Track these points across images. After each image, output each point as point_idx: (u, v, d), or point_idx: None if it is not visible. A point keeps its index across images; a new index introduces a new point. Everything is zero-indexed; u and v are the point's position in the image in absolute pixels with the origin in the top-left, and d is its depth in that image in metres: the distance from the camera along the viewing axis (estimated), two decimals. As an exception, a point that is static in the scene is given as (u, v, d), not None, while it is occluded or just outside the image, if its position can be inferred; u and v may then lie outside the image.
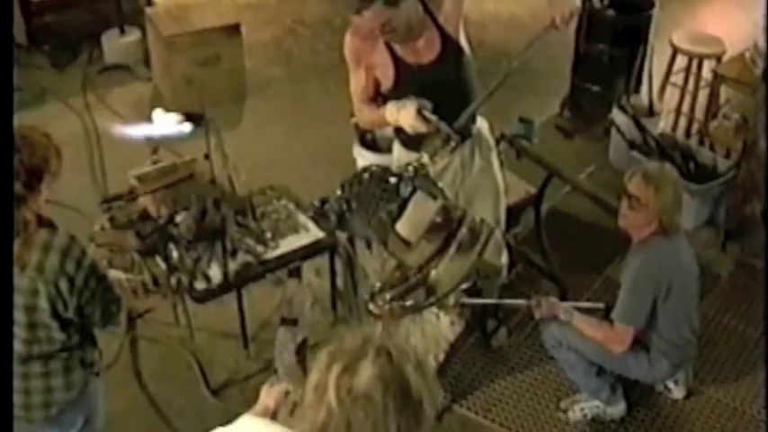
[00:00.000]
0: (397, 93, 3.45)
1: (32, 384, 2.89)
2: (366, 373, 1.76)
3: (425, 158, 3.18)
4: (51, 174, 2.78)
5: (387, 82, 3.51)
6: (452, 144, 3.30)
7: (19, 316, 2.75)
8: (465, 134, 3.54)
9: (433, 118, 3.30)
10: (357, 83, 3.56)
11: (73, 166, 5.43)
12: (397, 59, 3.46)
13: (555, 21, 3.32)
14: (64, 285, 2.73)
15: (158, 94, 6.23)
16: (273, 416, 2.36)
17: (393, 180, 3.00)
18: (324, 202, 3.07)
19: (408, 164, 3.12)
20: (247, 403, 4.00)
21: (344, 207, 2.98)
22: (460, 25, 3.55)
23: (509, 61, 6.60)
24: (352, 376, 1.76)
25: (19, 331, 2.78)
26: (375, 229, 2.97)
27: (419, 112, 3.29)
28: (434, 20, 3.47)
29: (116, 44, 6.45)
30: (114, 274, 3.68)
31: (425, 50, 3.47)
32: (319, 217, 3.08)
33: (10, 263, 2.66)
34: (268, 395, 2.47)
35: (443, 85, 3.49)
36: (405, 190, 2.97)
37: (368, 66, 3.50)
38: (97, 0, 6.64)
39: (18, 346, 2.80)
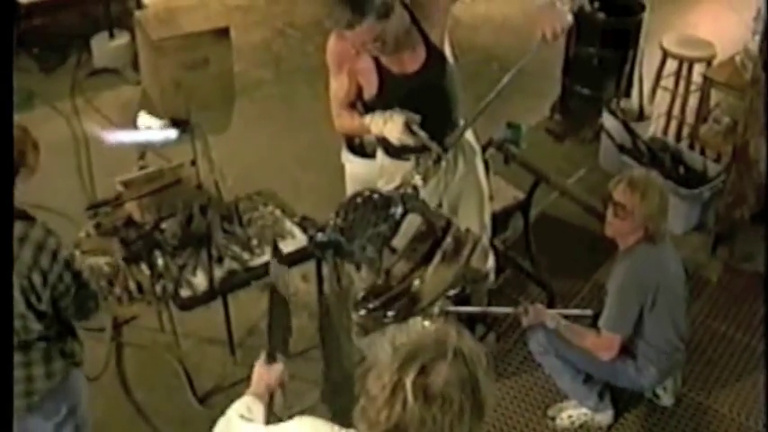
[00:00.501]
0: (381, 101, 3.42)
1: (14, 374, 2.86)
2: (443, 373, 1.82)
3: (416, 179, 3.14)
4: (28, 167, 2.81)
5: (370, 89, 3.47)
6: (443, 164, 3.28)
7: None
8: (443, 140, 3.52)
9: (422, 133, 3.26)
10: (339, 87, 3.51)
11: (60, 171, 5.43)
12: (380, 67, 3.43)
13: (545, 35, 3.28)
14: (37, 279, 2.73)
15: (147, 97, 6.19)
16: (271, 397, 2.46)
17: (386, 205, 2.98)
18: (320, 230, 3.02)
19: (400, 185, 3.09)
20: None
21: (340, 236, 2.95)
22: (446, 35, 3.52)
23: (500, 64, 6.66)
24: (429, 376, 1.81)
25: None
26: (368, 256, 2.94)
27: (407, 125, 3.25)
28: (420, 28, 3.43)
29: (105, 47, 6.42)
30: (94, 261, 3.66)
31: (410, 60, 3.43)
32: (315, 248, 3.04)
33: (10, 262, 2.66)
34: (266, 373, 2.52)
35: (427, 94, 3.46)
36: (396, 212, 2.95)
37: (351, 71, 3.46)
38: (86, 3, 6.59)
39: None
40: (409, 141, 3.27)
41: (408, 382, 1.82)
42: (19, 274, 2.70)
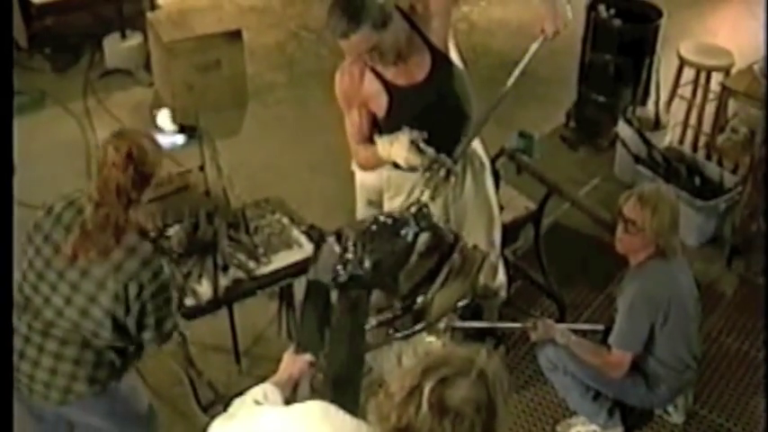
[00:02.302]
0: (394, 117, 3.37)
1: (61, 367, 2.96)
2: (463, 390, 1.83)
3: (425, 196, 3.08)
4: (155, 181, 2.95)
5: (381, 111, 3.42)
6: (453, 180, 3.22)
7: (78, 299, 2.88)
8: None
9: (429, 150, 3.20)
10: (351, 124, 3.48)
11: (70, 172, 5.40)
12: (387, 85, 3.37)
13: (544, 30, 3.25)
14: (133, 290, 2.85)
15: (159, 99, 6.16)
16: (295, 386, 2.49)
17: (399, 228, 2.94)
18: (344, 263, 2.96)
19: (411, 205, 3.03)
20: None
21: (360, 270, 2.88)
22: (450, 38, 3.46)
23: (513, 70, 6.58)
24: (448, 388, 1.83)
25: (70, 313, 2.90)
26: (391, 285, 2.90)
27: (412, 143, 3.18)
28: (421, 34, 3.38)
29: (117, 48, 6.40)
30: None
31: (416, 70, 3.38)
32: (339, 288, 2.98)
33: (10, 261, 2.73)
34: (292, 363, 2.54)
35: (439, 100, 3.41)
36: (409, 234, 2.90)
37: (360, 103, 3.42)
38: (99, 4, 6.58)
39: (63, 325, 2.91)
40: (416, 161, 3.20)
41: (427, 388, 1.83)
42: (116, 281, 2.84)
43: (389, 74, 3.35)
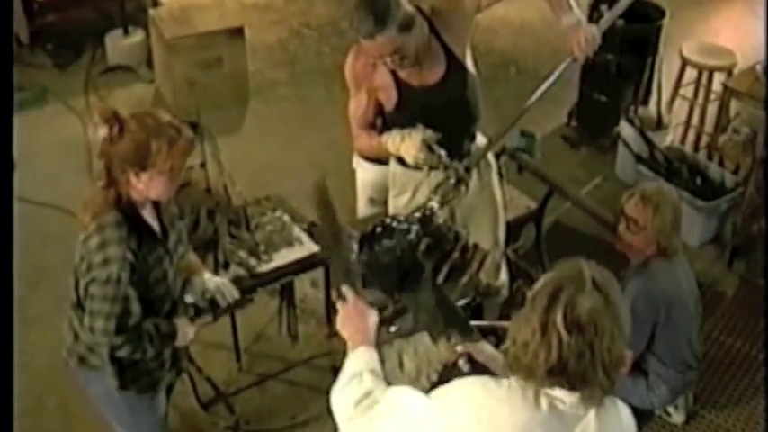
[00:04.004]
0: (400, 115, 3.36)
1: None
2: (588, 303, 1.92)
3: (434, 203, 3.07)
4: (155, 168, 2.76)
5: (389, 104, 3.41)
6: (463, 188, 3.21)
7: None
8: (463, 152, 3.45)
9: (441, 152, 3.19)
10: (357, 106, 3.45)
11: (72, 169, 5.40)
12: (399, 81, 3.36)
13: (575, 53, 3.25)
14: (83, 267, 2.75)
15: (160, 96, 6.16)
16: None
17: (406, 232, 2.89)
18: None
19: (418, 209, 3.02)
20: (237, 418, 3.96)
21: (366, 270, 2.87)
22: (468, 46, 3.45)
23: (517, 68, 6.59)
24: (576, 309, 1.91)
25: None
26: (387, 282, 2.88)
27: (425, 142, 3.17)
28: (439, 38, 3.36)
29: (119, 45, 6.40)
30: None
31: (430, 72, 3.37)
32: (345, 278, 2.96)
33: (10, 260, 2.70)
34: (355, 311, 2.47)
35: (447, 106, 3.39)
36: (413, 237, 2.88)
37: (369, 88, 3.40)
38: (101, 0, 6.57)
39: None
40: (426, 161, 3.19)
41: (558, 319, 1.91)
42: (79, 251, 2.76)
43: (403, 73, 3.34)
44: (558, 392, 2.00)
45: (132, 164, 2.70)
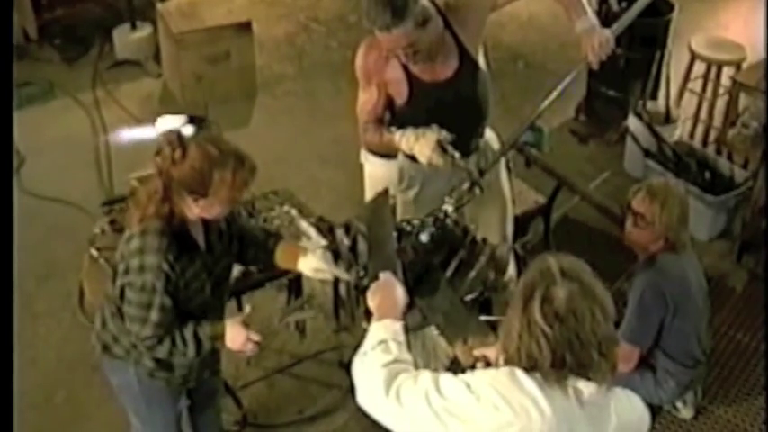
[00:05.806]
0: (410, 110, 3.35)
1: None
2: (562, 293, 1.98)
3: (449, 207, 3.06)
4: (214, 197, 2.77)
5: (400, 99, 3.40)
6: (477, 192, 3.20)
7: None
8: (471, 149, 3.44)
9: (455, 154, 3.17)
10: (367, 99, 3.43)
11: (79, 163, 5.42)
12: (410, 76, 3.35)
13: (589, 57, 3.25)
14: (120, 268, 2.76)
15: (168, 90, 6.16)
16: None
17: (418, 233, 2.94)
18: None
19: (431, 213, 3.01)
20: (244, 412, 3.96)
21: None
22: (480, 45, 3.44)
23: (525, 62, 6.56)
24: (552, 302, 1.98)
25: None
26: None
27: (439, 143, 3.14)
28: (453, 34, 3.35)
29: (127, 39, 6.40)
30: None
31: (442, 68, 3.36)
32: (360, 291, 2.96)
33: (10, 259, 2.69)
34: (394, 294, 2.50)
35: (458, 102, 3.39)
36: (425, 238, 2.91)
37: (380, 82, 3.38)
38: (108, -6, 6.61)
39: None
40: (439, 161, 3.16)
41: (538, 316, 1.98)
42: (120, 252, 2.78)
43: (415, 68, 3.33)
44: (578, 383, 2.05)
45: (191, 190, 2.66)
